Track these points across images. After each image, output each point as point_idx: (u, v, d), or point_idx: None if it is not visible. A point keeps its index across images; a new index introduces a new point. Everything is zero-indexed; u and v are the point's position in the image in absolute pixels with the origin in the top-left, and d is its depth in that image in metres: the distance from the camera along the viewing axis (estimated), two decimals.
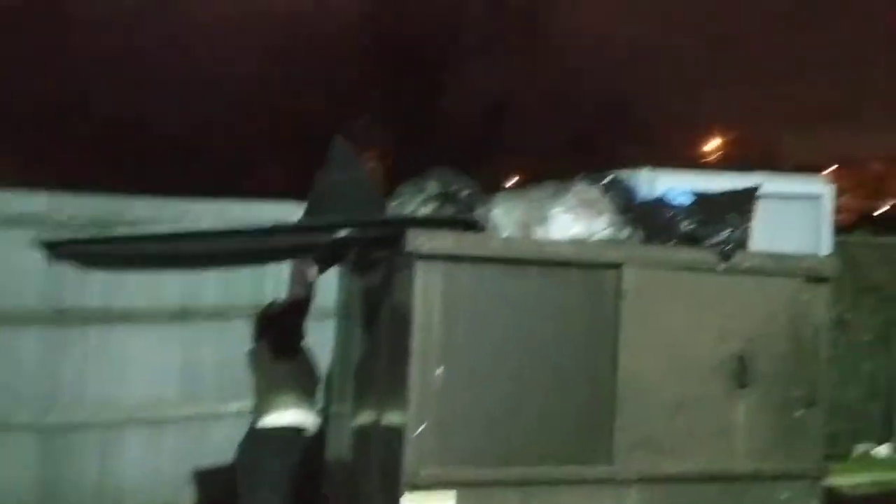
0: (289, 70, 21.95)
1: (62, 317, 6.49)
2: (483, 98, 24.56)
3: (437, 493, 3.34)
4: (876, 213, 24.02)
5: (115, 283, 6.64)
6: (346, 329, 4.76)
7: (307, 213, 4.03)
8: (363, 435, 4.15)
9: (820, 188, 6.61)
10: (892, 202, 28.01)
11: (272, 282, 6.98)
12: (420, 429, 3.33)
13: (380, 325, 3.99)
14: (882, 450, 9.02)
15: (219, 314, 6.92)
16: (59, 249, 3.38)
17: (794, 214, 6.37)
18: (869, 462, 8.36)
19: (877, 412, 9.15)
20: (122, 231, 3.40)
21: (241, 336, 6.93)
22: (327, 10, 22.24)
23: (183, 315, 6.82)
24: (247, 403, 6.89)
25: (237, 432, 6.81)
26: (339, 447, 4.62)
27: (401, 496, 3.31)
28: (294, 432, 4.46)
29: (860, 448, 8.56)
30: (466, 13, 24.17)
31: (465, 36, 23.96)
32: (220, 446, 6.78)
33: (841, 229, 9.29)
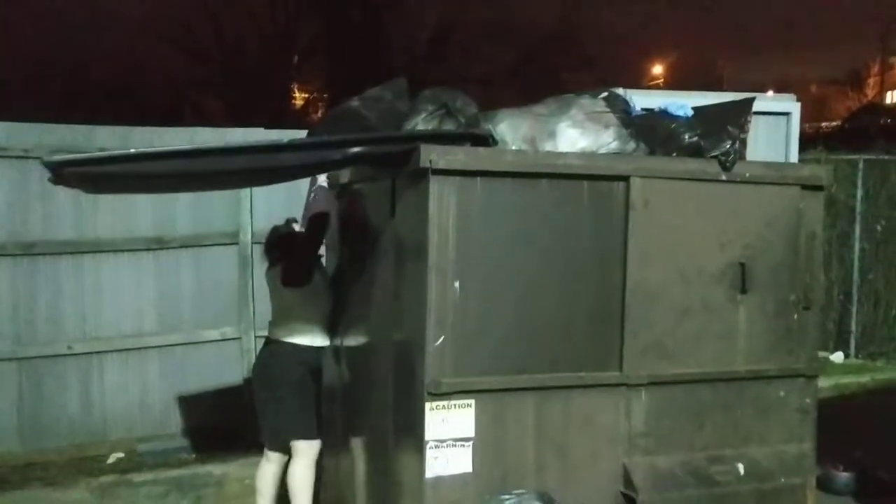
0: (225, 5, 21.34)
1: (32, 249, 6.37)
2: (425, 27, 24.17)
3: (457, 400, 3.43)
4: (825, 132, 24.63)
5: (85, 215, 6.53)
6: (336, 256, 4.78)
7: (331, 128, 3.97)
8: (367, 354, 4.21)
9: (789, 106, 6.78)
10: (835, 123, 28.75)
11: (246, 207, 6.96)
12: (439, 341, 3.40)
13: (380, 248, 4.01)
14: (838, 356, 9.52)
15: (192, 243, 6.87)
16: (64, 170, 3.27)
17: (765, 130, 6.55)
18: (828, 367, 8.81)
19: (832, 322, 9.61)
20: (132, 150, 3.28)
21: (215, 263, 6.95)
22: None
23: (156, 244, 6.75)
24: (226, 330, 6.97)
25: (218, 358, 6.89)
26: (334, 368, 4.68)
27: (423, 405, 3.39)
28: (313, 349, 4.50)
29: (818, 355, 9.01)
30: None
31: None
32: (202, 373, 6.85)
33: None
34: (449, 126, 3.81)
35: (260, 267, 6.71)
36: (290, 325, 4.47)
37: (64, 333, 6.45)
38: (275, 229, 4.75)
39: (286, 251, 4.52)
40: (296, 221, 4.88)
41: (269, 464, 4.67)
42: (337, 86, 20.81)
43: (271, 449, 4.67)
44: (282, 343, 4.50)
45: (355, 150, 3.47)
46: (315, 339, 4.51)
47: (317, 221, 4.38)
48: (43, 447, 6.35)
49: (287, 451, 4.59)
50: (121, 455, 6.42)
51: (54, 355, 6.40)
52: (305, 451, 4.49)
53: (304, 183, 5.08)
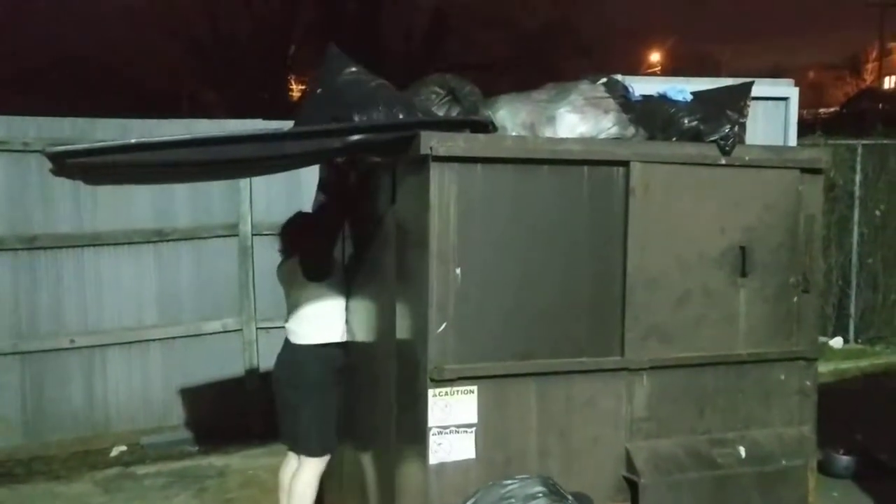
0: None
1: (33, 243, 6.36)
2: (422, 14, 24.13)
3: (459, 386, 3.44)
4: (823, 118, 24.63)
5: (85, 208, 6.53)
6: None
7: (304, 119, 3.92)
8: (370, 341, 4.21)
9: (787, 91, 6.78)
10: (833, 108, 28.75)
11: (245, 198, 6.96)
12: (441, 327, 3.41)
13: (381, 235, 4.01)
14: (837, 341, 9.53)
15: (192, 235, 6.87)
16: (65, 161, 3.26)
17: (763, 115, 6.55)
18: (827, 352, 8.83)
19: (831, 307, 9.62)
20: (133, 140, 3.27)
21: (215, 255, 6.95)
22: None
23: (156, 237, 6.75)
24: (227, 321, 6.97)
25: (220, 350, 6.90)
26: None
27: (425, 392, 3.40)
28: (335, 346, 4.39)
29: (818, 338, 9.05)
30: None
31: None
32: (204, 365, 6.86)
33: None
34: (456, 112, 3.81)
35: (261, 257, 6.75)
36: (311, 322, 4.32)
37: (66, 327, 6.45)
38: (294, 218, 4.59)
39: (300, 237, 4.41)
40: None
41: (294, 461, 4.56)
42: None
43: (291, 450, 4.61)
44: (301, 346, 4.36)
45: (355, 137, 3.46)
46: (338, 334, 4.38)
47: (327, 213, 4.33)
48: (46, 441, 6.37)
49: None
50: (124, 448, 6.44)
51: (57, 349, 6.40)
52: (315, 463, 4.44)
53: (304, 173, 5.05)
